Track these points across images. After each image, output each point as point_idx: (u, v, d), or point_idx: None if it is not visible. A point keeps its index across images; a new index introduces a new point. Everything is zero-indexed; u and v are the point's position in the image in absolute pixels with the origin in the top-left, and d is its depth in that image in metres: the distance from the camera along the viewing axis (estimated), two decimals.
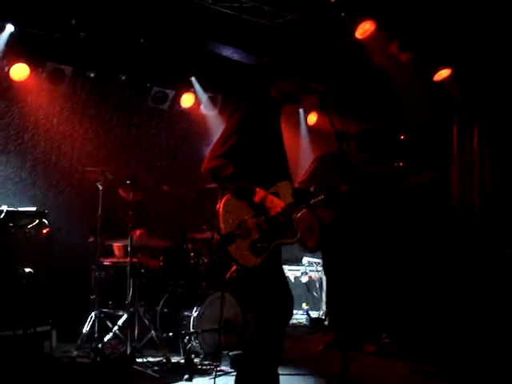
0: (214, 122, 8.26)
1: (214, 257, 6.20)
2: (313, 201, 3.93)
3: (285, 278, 3.98)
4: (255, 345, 3.75)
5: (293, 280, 8.07)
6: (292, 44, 5.46)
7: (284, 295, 3.87)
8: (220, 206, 3.64)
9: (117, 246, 6.43)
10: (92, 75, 7.17)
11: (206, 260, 6.26)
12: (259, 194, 3.65)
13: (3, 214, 5.13)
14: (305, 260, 8.45)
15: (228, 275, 3.78)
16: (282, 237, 3.75)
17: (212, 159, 3.69)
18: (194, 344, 5.57)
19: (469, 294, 6.46)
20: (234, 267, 3.71)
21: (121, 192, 6.15)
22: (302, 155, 9.11)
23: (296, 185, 5.88)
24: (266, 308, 3.75)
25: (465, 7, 5.93)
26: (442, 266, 6.91)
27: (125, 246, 6.27)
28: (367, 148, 6.40)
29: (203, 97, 8.25)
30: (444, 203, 7.33)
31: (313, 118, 9.10)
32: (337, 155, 6.04)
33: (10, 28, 6.48)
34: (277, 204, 3.69)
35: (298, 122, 9.32)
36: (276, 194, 3.74)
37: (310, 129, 9.27)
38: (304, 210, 6.03)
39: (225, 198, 3.66)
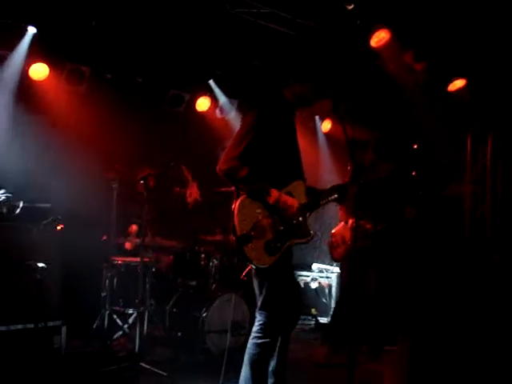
0: (229, 126, 8.33)
1: (224, 259, 6.27)
2: (324, 201, 3.99)
3: (295, 281, 4.04)
4: (261, 345, 3.80)
5: (302, 286, 8.11)
6: (307, 48, 5.53)
7: (293, 297, 3.92)
8: (235, 206, 3.69)
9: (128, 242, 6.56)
10: (109, 76, 7.29)
11: (216, 262, 6.32)
12: (273, 194, 3.71)
13: (19, 209, 5.22)
14: (315, 266, 8.49)
15: (243, 275, 3.84)
16: (295, 236, 3.82)
17: (227, 161, 3.75)
18: (203, 344, 5.63)
19: (478, 303, 6.45)
20: (249, 267, 3.76)
21: (136, 191, 6.25)
22: (322, 163, 9.17)
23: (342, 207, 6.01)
24: (275, 308, 3.79)
25: (480, 18, 5.95)
26: (453, 274, 6.91)
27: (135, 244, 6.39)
28: (386, 155, 6.42)
29: (220, 100, 8.35)
30: (457, 212, 7.33)
31: (327, 126, 9.14)
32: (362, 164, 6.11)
33: (32, 30, 6.61)
34: (291, 204, 3.75)
35: (315, 130, 9.37)
36: (290, 194, 3.81)
37: (328, 136, 9.31)
38: (342, 223, 6.12)
39: (240, 199, 3.72)
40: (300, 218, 3.83)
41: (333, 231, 6.35)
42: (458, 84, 7.00)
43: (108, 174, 6.07)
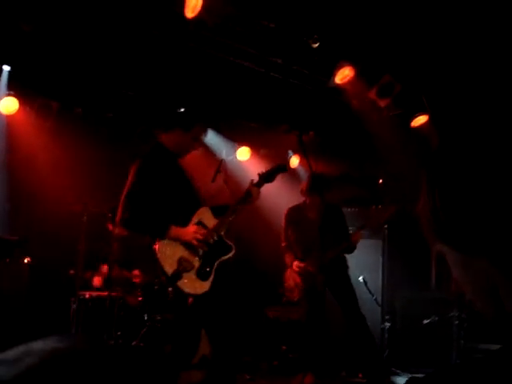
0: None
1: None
2: (230, 217, 4.18)
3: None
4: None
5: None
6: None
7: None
8: (156, 250, 3.87)
9: (97, 277, 6.49)
10: (79, 111, 7.31)
11: None
12: (169, 234, 3.91)
13: None
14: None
15: (190, 303, 3.97)
16: (220, 255, 4.03)
17: (123, 212, 3.96)
18: (172, 381, 5.55)
19: None
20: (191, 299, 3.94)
21: (109, 226, 6.26)
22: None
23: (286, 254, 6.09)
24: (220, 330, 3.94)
25: (442, 55, 6.12)
26: None
27: (104, 279, 6.34)
28: (345, 191, 6.55)
29: None
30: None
31: (295, 161, 9.20)
32: (301, 206, 6.18)
33: (6, 68, 6.66)
34: (186, 232, 3.93)
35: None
36: (200, 222, 4.04)
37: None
38: (288, 270, 6.11)
39: (157, 243, 3.91)
40: (217, 238, 4.01)
41: (285, 277, 6.30)
42: (421, 120, 7.15)
43: (76, 208, 6.07)
